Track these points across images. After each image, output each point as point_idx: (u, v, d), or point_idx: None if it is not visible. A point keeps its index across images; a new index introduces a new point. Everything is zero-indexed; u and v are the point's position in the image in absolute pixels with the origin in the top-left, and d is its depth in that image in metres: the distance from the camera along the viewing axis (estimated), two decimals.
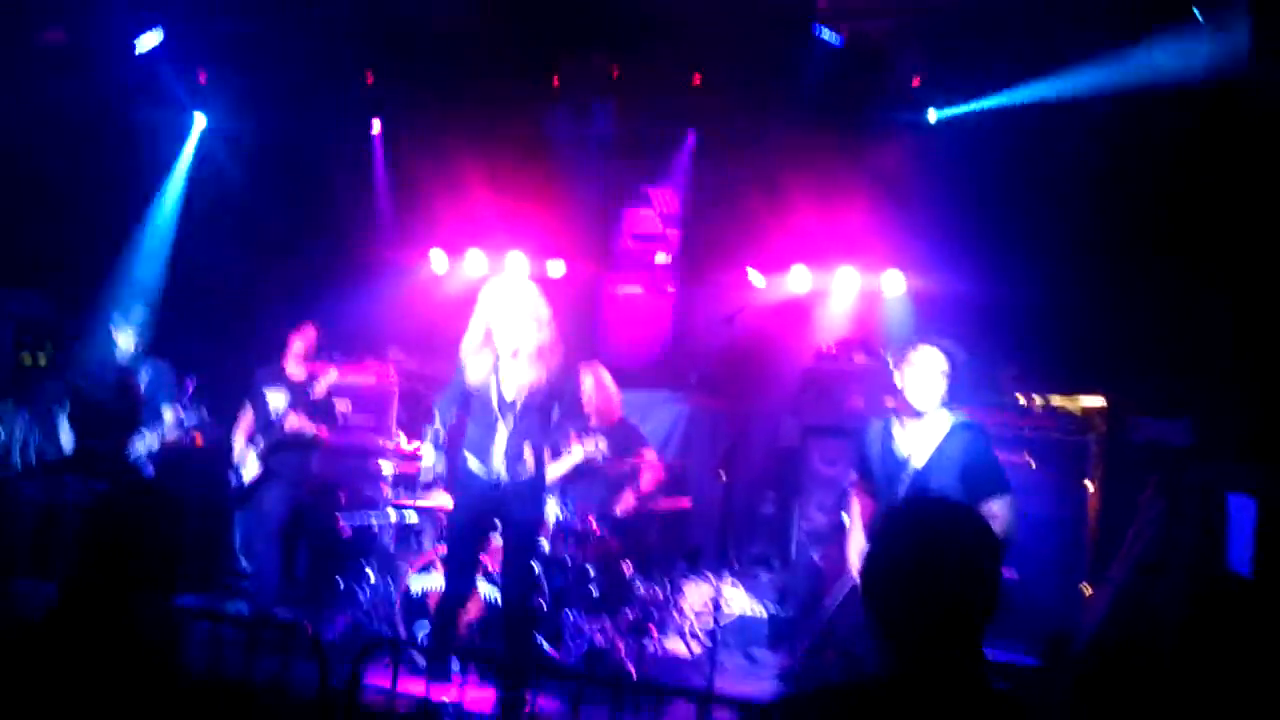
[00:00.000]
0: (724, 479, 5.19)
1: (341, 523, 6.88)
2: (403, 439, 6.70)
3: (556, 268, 8.48)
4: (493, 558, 5.25)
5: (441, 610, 4.84)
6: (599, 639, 5.52)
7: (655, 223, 8.46)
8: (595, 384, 6.35)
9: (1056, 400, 6.35)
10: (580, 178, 8.18)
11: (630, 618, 5.70)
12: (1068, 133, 6.29)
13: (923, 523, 1.74)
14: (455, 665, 4.86)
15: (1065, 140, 6.30)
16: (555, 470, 5.66)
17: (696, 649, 6.27)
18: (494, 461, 4.59)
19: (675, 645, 6.34)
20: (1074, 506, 5.93)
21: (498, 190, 8.24)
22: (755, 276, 8.26)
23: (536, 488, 4.77)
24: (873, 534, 1.82)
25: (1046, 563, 5.79)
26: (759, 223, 7.92)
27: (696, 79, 6.92)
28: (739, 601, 6.84)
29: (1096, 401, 6.47)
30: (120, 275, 7.28)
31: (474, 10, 6.55)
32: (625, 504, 6.18)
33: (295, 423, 5.88)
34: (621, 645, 5.45)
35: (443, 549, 5.26)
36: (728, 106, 7.27)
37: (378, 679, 4.06)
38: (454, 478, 4.79)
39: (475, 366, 4.62)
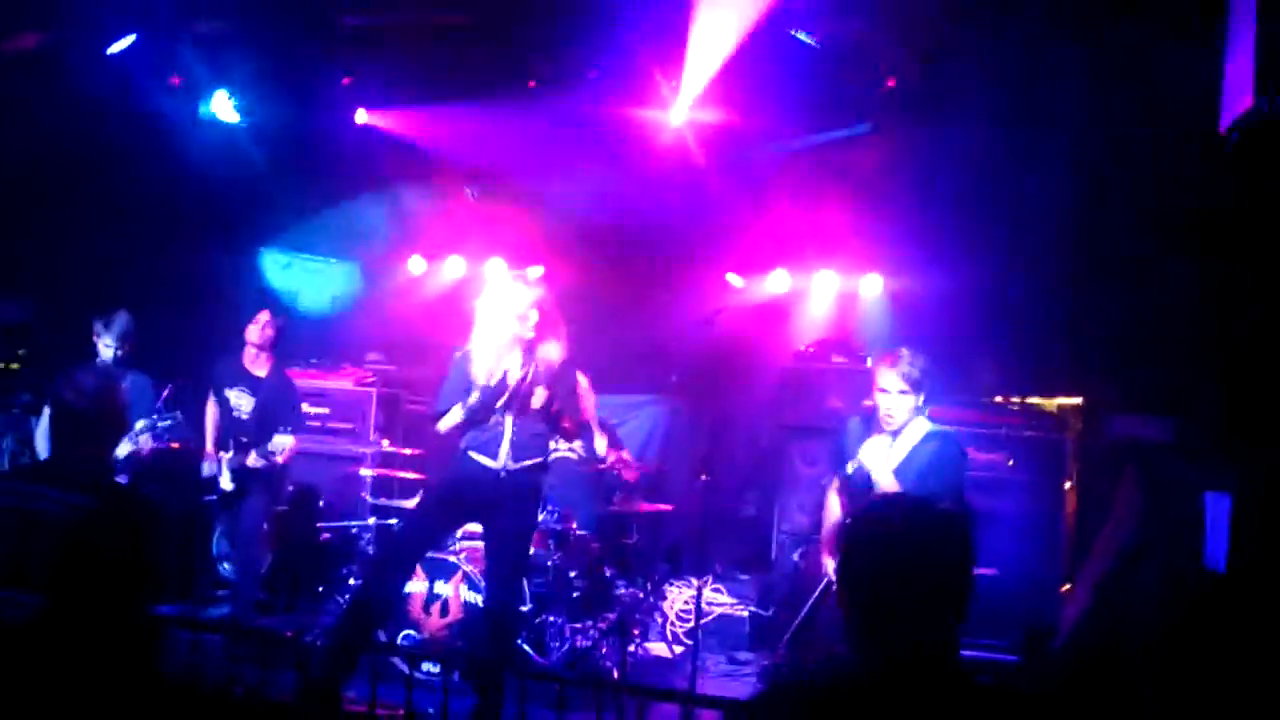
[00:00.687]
0: (705, 480, 5.19)
1: (321, 530, 6.85)
2: (384, 444, 6.67)
3: (535, 271, 8.47)
4: (475, 562, 5.23)
5: (371, 592, 4.62)
6: (581, 642, 5.52)
7: (634, 224, 8.46)
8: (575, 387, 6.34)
9: (1033, 399, 6.41)
10: (559, 179, 8.17)
11: (612, 620, 5.70)
12: (1044, 144, 6.35)
13: (890, 518, 1.80)
14: (436, 669, 4.85)
15: (1043, 148, 6.36)
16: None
17: (679, 650, 6.28)
18: (502, 450, 4.56)
19: (657, 647, 6.35)
20: (1051, 504, 5.98)
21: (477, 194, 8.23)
22: (734, 279, 8.29)
23: (536, 489, 4.74)
24: (845, 532, 1.86)
25: (1025, 560, 5.84)
26: (739, 224, 7.95)
27: (675, 82, 6.92)
28: (720, 603, 6.85)
29: (1073, 400, 6.53)
30: (99, 280, 7.20)
31: (447, 7, 6.54)
32: (607, 506, 6.18)
33: (254, 461, 5.67)
34: (604, 648, 5.44)
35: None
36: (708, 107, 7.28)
37: (358, 685, 4.05)
38: (453, 469, 4.72)
39: (482, 361, 4.57)
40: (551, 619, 5.55)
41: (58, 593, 2.57)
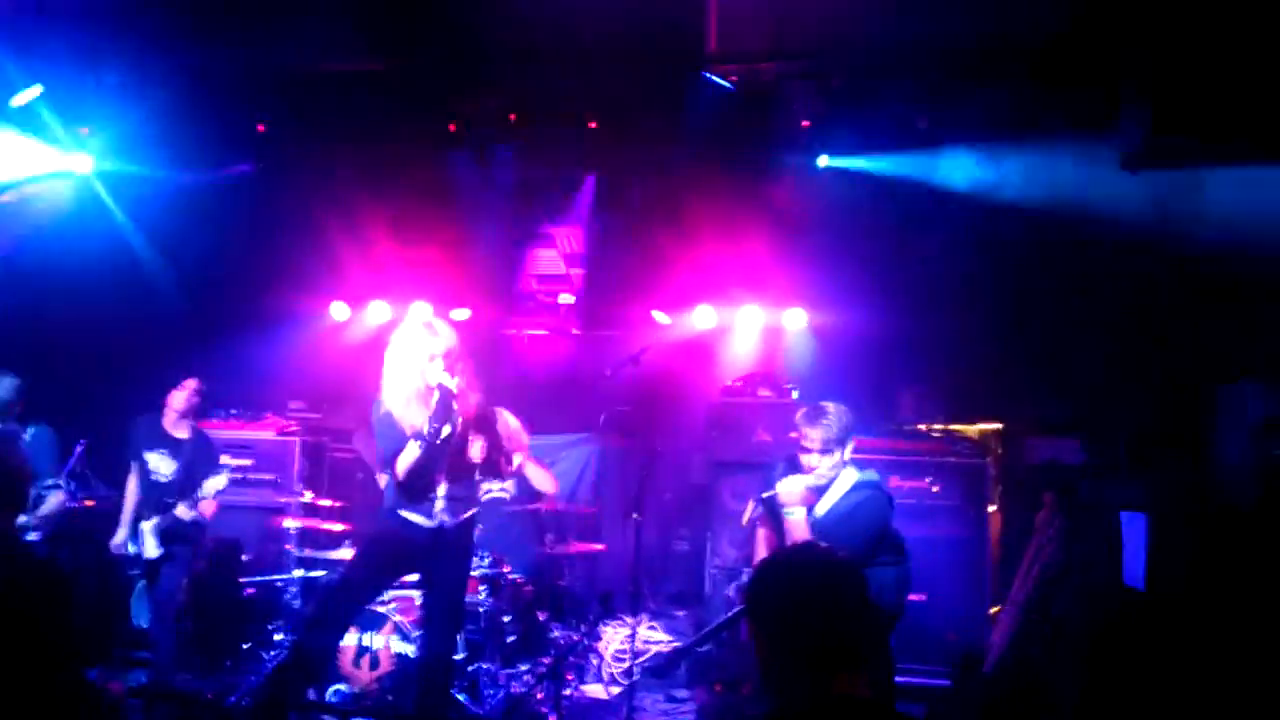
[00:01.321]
0: (637, 519, 5.18)
1: (245, 585, 6.66)
2: (307, 495, 6.54)
3: (460, 314, 8.43)
4: (406, 613, 5.14)
5: (305, 655, 4.45)
6: (516, 688, 5.44)
7: (558, 263, 8.48)
8: (503, 427, 6.29)
9: (954, 426, 6.55)
10: (482, 223, 8.15)
11: (547, 664, 5.63)
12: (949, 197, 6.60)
13: (793, 563, 1.94)
14: None
15: (948, 200, 6.59)
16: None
17: (615, 691, 6.23)
18: (436, 507, 4.46)
19: (594, 689, 6.29)
20: (976, 528, 6.10)
21: (399, 238, 8.16)
22: (659, 316, 8.35)
23: (471, 538, 4.64)
24: (750, 578, 1.95)
25: (953, 585, 5.93)
26: (662, 261, 8.01)
27: (592, 123, 6.98)
28: (656, 640, 6.82)
29: (992, 425, 6.69)
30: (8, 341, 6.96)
31: (365, 55, 6.51)
32: (539, 548, 6.13)
33: (188, 515, 5.56)
34: (539, 693, 5.37)
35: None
36: (625, 149, 7.36)
37: None
38: (385, 527, 4.60)
39: (406, 411, 4.43)
40: (485, 666, 5.47)
41: None
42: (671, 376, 7.80)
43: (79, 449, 6.41)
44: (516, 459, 6.25)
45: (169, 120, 7.05)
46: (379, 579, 4.65)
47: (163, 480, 5.73)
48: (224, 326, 8.30)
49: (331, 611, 4.55)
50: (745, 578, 6.01)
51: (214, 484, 5.45)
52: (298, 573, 6.09)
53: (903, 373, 7.16)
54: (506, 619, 5.68)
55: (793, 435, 4.19)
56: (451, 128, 7.29)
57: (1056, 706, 4.69)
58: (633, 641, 5.16)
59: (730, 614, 4.45)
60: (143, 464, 5.79)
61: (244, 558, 6.77)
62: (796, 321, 8.11)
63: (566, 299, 8.63)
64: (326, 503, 6.58)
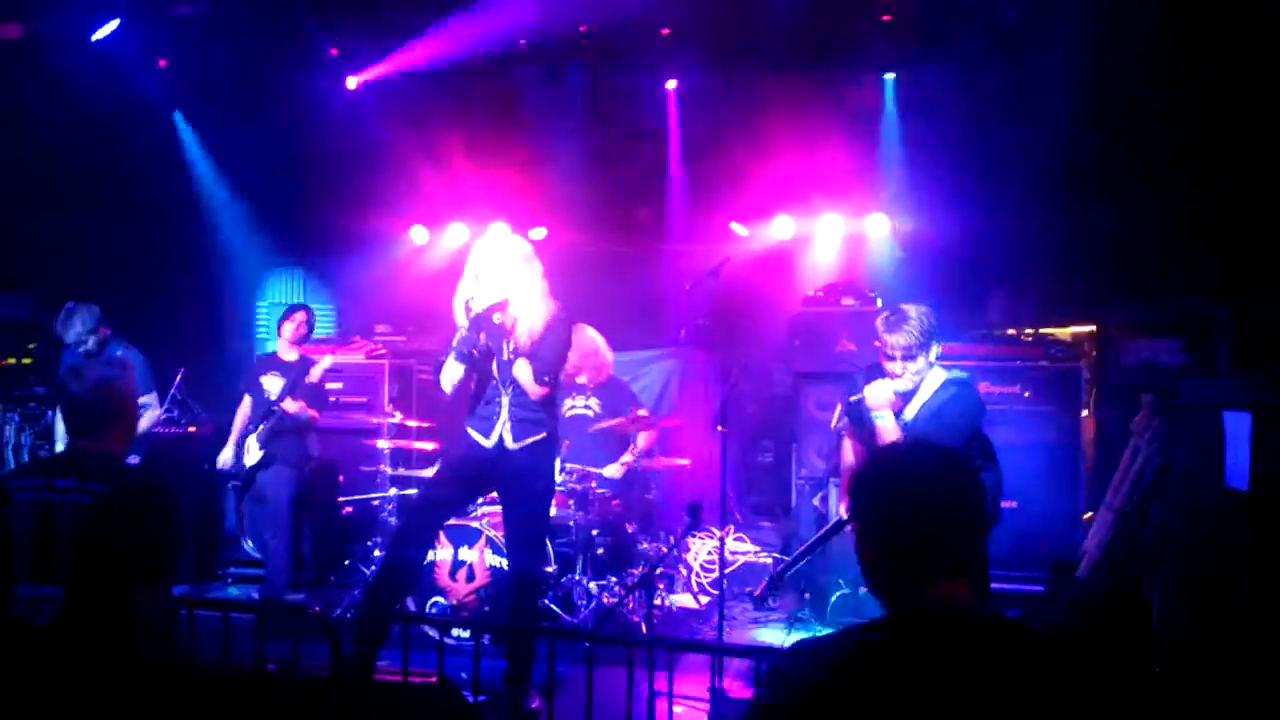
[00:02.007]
0: (721, 431, 5.17)
1: (343, 504, 6.89)
2: (397, 415, 6.69)
3: (538, 233, 8.42)
4: (497, 526, 5.25)
5: (391, 570, 4.56)
6: (608, 598, 5.55)
7: (635, 180, 8.40)
8: (585, 344, 6.32)
9: (1046, 330, 6.36)
10: (557, 141, 8.10)
11: (637, 575, 5.73)
12: (1040, 63, 6.27)
13: (898, 462, 1.81)
14: (466, 634, 4.89)
15: (1038, 72, 6.28)
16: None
17: (705, 601, 6.32)
18: (498, 426, 4.49)
19: (684, 599, 6.39)
20: (1070, 433, 5.96)
21: (476, 159, 8.16)
22: (738, 228, 8.23)
23: (540, 464, 4.61)
24: (853, 480, 1.86)
25: (1046, 491, 5.83)
26: (739, 173, 7.88)
27: (665, 29, 6.82)
28: (744, 551, 6.87)
29: (1086, 328, 6.48)
30: (100, 271, 7.20)
31: None
32: (624, 464, 6.19)
33: (292, 406, 5.88)
34: (630, 603, 5.48)
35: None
36: (700, 55, 7.19)
37: (390, 654, 4.08)
38: (456, 445, 4.69)
39: (459, 329, 4.42)
40: (577, 578, 5.59)
41: (81, 581, 2.58)
42: (752, 288, 7.72)
43: (178, 377, 6.66)
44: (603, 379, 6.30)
45: (245, 52, 7.12)
46: (456, 495, 4.73)
47: (272, 396, 6.04)
48: (311, 254, 8.47)
49: (414, 527, 4.66)
50: (832, 487, 6.00)
51: (320, 367, 5.92)
52: (392, 491, 6.27)
53: (992, 275, 6.96)
54: (595, 532, 5.77)
55: (875, 344, 4.09)
56: (522, 44, 7.20)
57: (1152, 612, 4.61)
58: (721, 552, 5.20)
59: (828, 526, 4.42)
60: (258, 387, 6.11)
61: (340, 479, 6.99)
62: (879, 228, 7.92)
63: (645, 215, 8.56)
64: (415, 423, 6.72)
